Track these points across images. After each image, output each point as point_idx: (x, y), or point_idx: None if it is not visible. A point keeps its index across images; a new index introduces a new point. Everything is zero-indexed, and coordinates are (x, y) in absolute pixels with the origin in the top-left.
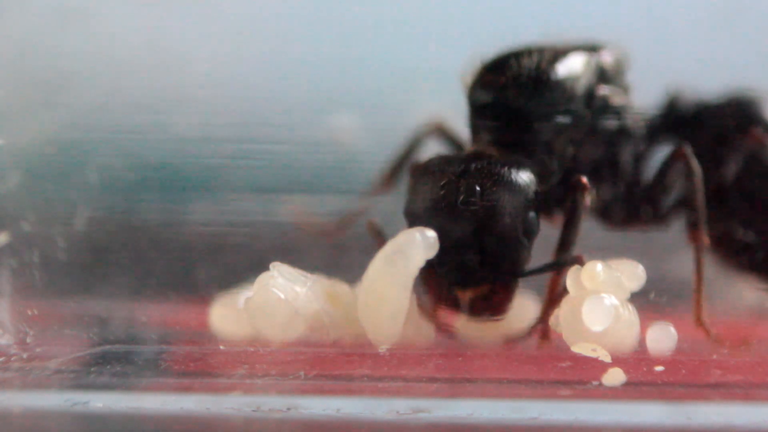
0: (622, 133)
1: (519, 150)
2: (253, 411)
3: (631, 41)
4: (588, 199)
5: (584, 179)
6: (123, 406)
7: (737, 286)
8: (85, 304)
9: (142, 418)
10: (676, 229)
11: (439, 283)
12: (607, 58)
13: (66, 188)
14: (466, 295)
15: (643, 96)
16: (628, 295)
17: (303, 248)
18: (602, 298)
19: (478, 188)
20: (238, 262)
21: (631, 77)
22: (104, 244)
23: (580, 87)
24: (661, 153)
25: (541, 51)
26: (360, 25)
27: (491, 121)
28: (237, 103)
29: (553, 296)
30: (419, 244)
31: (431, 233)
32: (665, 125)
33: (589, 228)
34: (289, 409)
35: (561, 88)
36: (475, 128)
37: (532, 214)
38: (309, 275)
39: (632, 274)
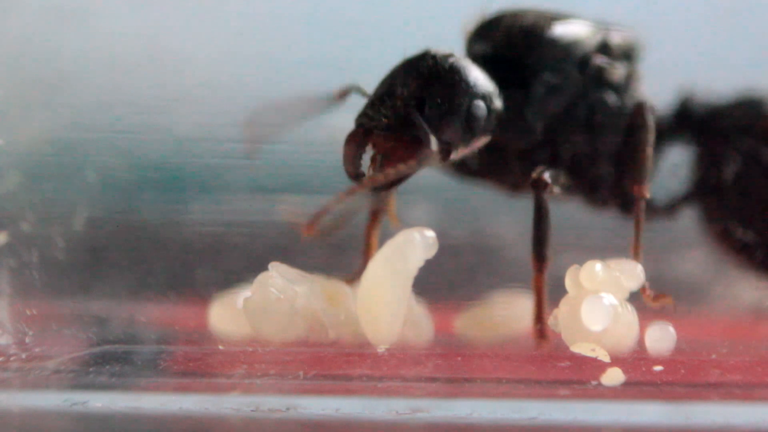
0: (619, 112)
1: (507, 100)
2: (252, 411)
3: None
4: (552, 191)
5: (545, 176)
6: (122, 406)
7: (741, 285)
8: (84, 304)
9: (141, 418)
10: (675, 229)
11: (361, 117)
12: (614, 37)
13: (66, 188)
14: (371, 135)
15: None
16: (627, 295)
17: (303, 248)
18: (601, 297)
19: (451, 57)
20: (238, 262)
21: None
22: (104, 244)
23: (576, 50)
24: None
25: (543, 12)
26: (360, 25)
27: (484, 70)
28: (237, 103)
29: (540, 295)
30: (418, 245)
31: (430, 233)
32: (677, 125)
33: (588, 228)
34: (288, 408)
35: (553, 44)
36: None
37: (481, 109)
38: (308, 275)
39: (631, 273)
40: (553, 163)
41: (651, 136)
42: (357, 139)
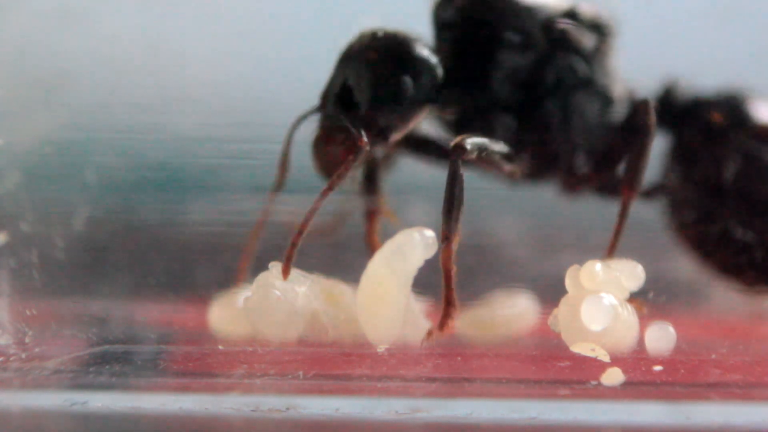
0: (588, 81)
1: (472, 64)
2: (252, 411)
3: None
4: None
5: (466, 142)
6: (122, 406)
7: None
8: (84, 304)
9: (140, 418)
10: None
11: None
12: (583, 8)
13: (66, 188)
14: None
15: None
16: (627, 295)
17: (303, 248)
18: (601, 297)
19: (373, 37)
20: (238, 262)
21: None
22: (103, 244)
23: (539, 12)
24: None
25: None
26: (360, 25)
27: (449, 36)
28: (237, 103)
29: (449, 273)
30: (418, 244)
31: (430, 233)
32: (657, 114)
33: (588, 227)
34: (287, 408)
35: (516, 6)
36: (437, 49)
37: (407, 79)
38: (308, 275)
39: (631, 274)
40: (522, 131)
41: (652, 140)
42: (315, 142)
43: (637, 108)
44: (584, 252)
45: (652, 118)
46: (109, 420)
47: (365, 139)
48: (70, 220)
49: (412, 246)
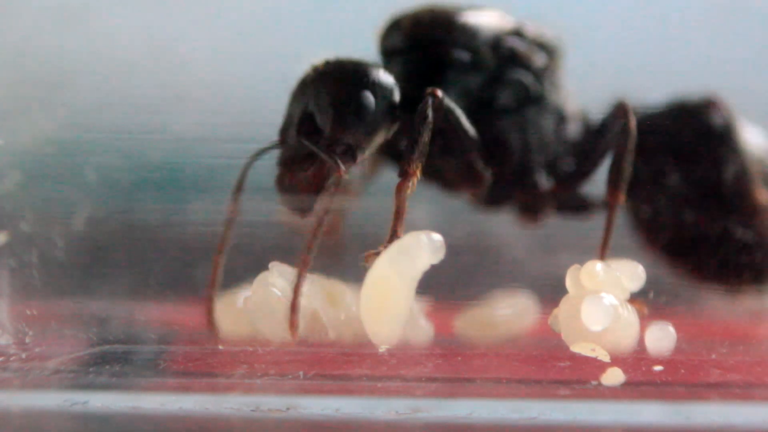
0: (538, 98)
1: (423, 89)
2: (252, 411)
3: (630, 40)
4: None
5: (438, 91)
6: (122, 406)
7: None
8: (84, 304)
9: (141, 418)
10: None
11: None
12: (529, 28)
13: (66, 188)
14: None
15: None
16: (627, 295)
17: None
18: (601, 297)
19: (326, 64)
20: (238, 262)
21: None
22: (104, 244)
23: (486, 33)
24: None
25: (452, 4)
26: (360, 25)
27: (399, 62)
28: (237, 103)
29: (401, 205)
30: (425, 247)
31: (437, 236)
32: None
33: (588, 227)
34: (288, 408)
35: (463, 27)
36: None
37: (368, 94)
38: (308, 275)
39: (632, 274)
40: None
41: (633, 141)
42: (279, 177)
43: (616, 111)
44: (584, 252)
45: (633, 118)
46: (109, 420)
47: (342, 167)
48: (70, 220)
49: (419, 248)
